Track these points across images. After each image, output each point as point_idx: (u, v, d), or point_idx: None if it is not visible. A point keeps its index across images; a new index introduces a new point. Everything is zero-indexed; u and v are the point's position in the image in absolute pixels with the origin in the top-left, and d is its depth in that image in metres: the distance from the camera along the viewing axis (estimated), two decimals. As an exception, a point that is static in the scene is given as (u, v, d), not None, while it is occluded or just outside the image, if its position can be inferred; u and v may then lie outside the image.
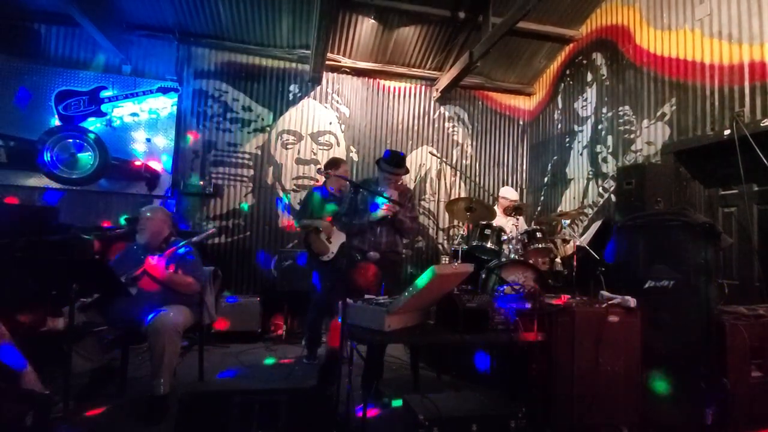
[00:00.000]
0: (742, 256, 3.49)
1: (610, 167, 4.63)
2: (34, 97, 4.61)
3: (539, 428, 2.25)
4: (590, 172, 4.93)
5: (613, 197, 4.48)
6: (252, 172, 5.28)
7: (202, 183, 5.06)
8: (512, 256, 3.90)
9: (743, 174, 3.18)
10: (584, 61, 5.12)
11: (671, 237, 2.68)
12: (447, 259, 5.59)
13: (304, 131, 5.47)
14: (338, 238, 3.72)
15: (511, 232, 4.13)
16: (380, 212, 2.86)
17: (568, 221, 4.38)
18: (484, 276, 3.69)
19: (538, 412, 2.27)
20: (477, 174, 6.04)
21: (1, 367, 1.92)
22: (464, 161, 6.00)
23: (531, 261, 3.84)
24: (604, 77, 4.80)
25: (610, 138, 4.67)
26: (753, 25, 3.29)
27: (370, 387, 2.85)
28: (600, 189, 4.76)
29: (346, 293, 2.26)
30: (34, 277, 2.49)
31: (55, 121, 4.61)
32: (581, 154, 5.10)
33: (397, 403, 2.44)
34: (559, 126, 5.54)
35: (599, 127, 4.83)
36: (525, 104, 6.25)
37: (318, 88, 5.51)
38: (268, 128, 5.35)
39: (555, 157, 5.59)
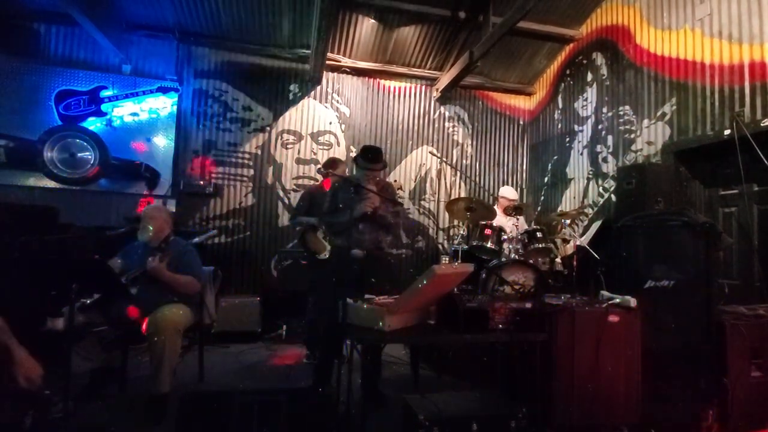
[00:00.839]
0: (742, 256, 3.49)
1: (610, 167, 4.63)
2: (34, 97, 4.61)
3: (539, 428, 2.24)
4: (590, 172, 4.93)
5: (613, 197, 4.48)
6: (252, 171, 5.28)
7: (201, 183, 5.05)
8: (512, 256, 3.89)
9: (743, 174, 3.18)
10: (584, 61, 5.12)
11: (671, 237, 2.68)
12: (447, 259, 5.58)
13: (304, 131, 5.46)
14: None
15: (511, 232, 4.13)
16: (361, 208, 2.80)
17: (568, 221, 4.38)
18: (484, 276, 3.69)
19: (539, 411, 2.27)
20: (477, 174, 6.04)
21: None
22: (464, 161, 6.00)
23: (531, 261, 3.84)
24: (604, 77, 4.80)
25: (610, 138, 4.66)
26: (753, 24, 3.29)
27: (370, 386, 2.85)
28: (600, 189, 4.76)
29: (337, 292, 2.23)
30: (34, 277, 2.48)
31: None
32: (581, 154, 5.09)
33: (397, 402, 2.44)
34: (560, 126, 5.54)
35: (599, 126, 4.83)
36: (525, 104, 6.25)
37: (318, 87, 5.50)
38: (268, 128, 5.35)
39: (555, 157, 5.58)
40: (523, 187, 6.20)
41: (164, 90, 4.89)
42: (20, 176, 4.52)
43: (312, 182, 5.28)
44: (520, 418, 2.04)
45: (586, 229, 4.70)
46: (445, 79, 5.53)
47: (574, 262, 3.78)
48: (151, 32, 4.95)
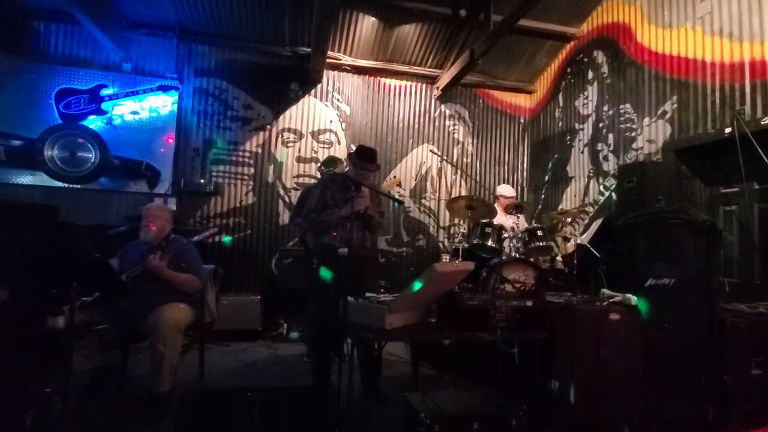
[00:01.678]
0: (742, 254, 3.48)
1: (611, 165, 4.63)
2: (34, 96, 4.61)
3: (540, 426, 2.25)
4: (591, 171, 4.92)
5: (614, 195, 4.47)
6: (252, 170, 5.27)
7: (202, 181, 5.05)
8: (513, 254, 3.89)
9: (744, 172, 3.17)
10: (585, 59, 5.11)
11: (672, 235, 2.67)
12: (447, 257, 5.58)
13: (305, 129, 5.46)
14: None
15: (511, 230, 4.13)
16: (354, 206, 2.79)
17: (569, 219, 4.38)
18: (484, 274, 3.69)
19: (539, 410, 2.27)
20: (478, 172, 6.03)
21: None
22: (465, 159, 5.99)
23: (532, 259, 3.84)
24: (605, 75, 4.79)
25: (611, 136, 4.66)
26: (753, 23, 3.28)
27: (371, 385, 2.85)
28: (601, 187, 4.76)
29: (319, 291, 2.21)
30: (34, 276, 2.48)
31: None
32: (582, 153, 5.09)
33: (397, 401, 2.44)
34: (560, 124, 5.53)
35: (600, 125, 4.83)
36: (526, 102, 6.24)
37: (318, 86, 5.49)
38: (269, 126, 5.34)
39: (556, 156, 5.58)
40: (524, 185, 6.20)
41: (164, 88, 4.89)
42: (20, 174, 4.52)
43: (313, 181, 5.28)
44: (521, 417, 2.04)
45: (586, 227, 4.70)
46: (445, 77, 5.52)
47: (575, 261, 3.78)
48: (151, 30, 4.94)
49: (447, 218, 5.84)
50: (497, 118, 6.14)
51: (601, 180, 4.77)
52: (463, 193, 5.85)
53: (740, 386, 2.41)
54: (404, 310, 2.20)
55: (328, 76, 5.50)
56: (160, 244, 2.82)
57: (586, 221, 4.85)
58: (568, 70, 5.41)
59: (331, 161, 3.92)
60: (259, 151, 5.30)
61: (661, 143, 4.04)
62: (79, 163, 4.45)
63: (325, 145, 5.50)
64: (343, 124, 5.57)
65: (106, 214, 4.72)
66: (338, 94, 5.57)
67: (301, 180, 5.37)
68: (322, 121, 5.51)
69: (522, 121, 6.23)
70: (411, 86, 5.83)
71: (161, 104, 4.93)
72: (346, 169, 3.16)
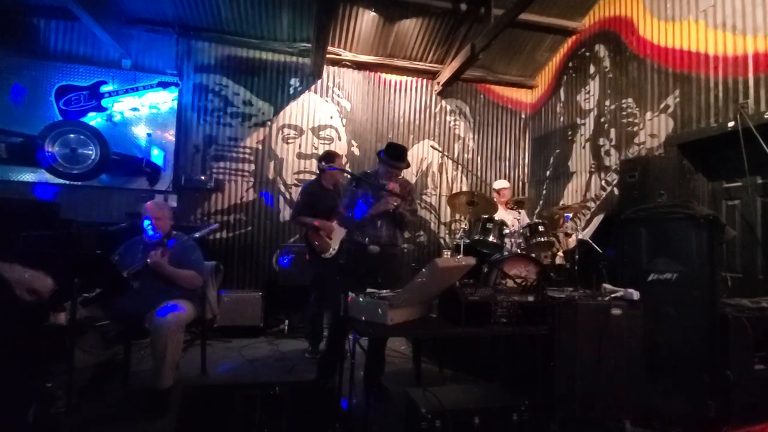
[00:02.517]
0: (745, 248, 3.47)
1: (612, 160, 4.61)
2: (33, 93, 4.60)
3: (541, 421, 2.25)
4: (593, 166, 4.91)
5: (616, 190, 4.46)
6: (253, 166, 5.27)
7: (203, 178, 5.05)
8: (514, 250, 3.89)
9: (747, 166, 3.16)
10: (587, 53, 5.08)
11: (674, 230, 2.67)
12: (449, 253, 5.58)
13: (305, 125, 5.45)
14: (338, 235, 3.71)
15: (513, 226, 4.12)
16: (382, 205, 2.83)
17: (570, 215, 4.36)
18: (486, 270, 3.69)
19: (541, 405, 2.27)
20: (479, 168, 6.01)
21: None
22: (466, 155, 5.98)
23: (533, 255, 3.83)
24: (607, 69, 4.76)
25: (613, 131, 4.64)
26: (757, 15, 3.26)
27: (373, 381, 2.86)
28: (603, 182, 4.74)
29: (347, 287, 2.25)
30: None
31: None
32: (584, 148, 5.07)
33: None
34: (562, 119, 5.51)
35: (602, 119, 4.80)
36: (527, 97, 6.21)
37: (319, 81, 5.47)
38: (269, 122, 5.33)
39: (557, 151, 5.56)
40: (525, 180, 6.18)
41: (164, 85, 4.87)
42: (21, 172, 4.52)
43: (314, 177, 5.27)
44: (523, 411, 2.04)
45: (588, 222, 4.69)
46: (446, 72, 5.49)
47: (576, 256, 3.77)
48: (150, 26, 4.92)
49: (448, 214, 5.83)
50: (498, 113, 6.12)
51: (602, 175, 4.75)
52: (464, 188, 5.83)
53: (743, 381, 2.40)
54: (405, 306, 2.19)
55: (328, 71, 5.48)
56: (162, 241, 2.82)
57: (588, 216, 4.84)
58: (570, 64, 5.38)
59: (330, 156, 3.89)
60: (260, 147, 5.29)
61: (663, 138, 4.02)
62: (80, 160, 4.44)
63: (326, 141, 5.48)
64: (344, 120, 5.56)
65: (107, 211, 4.72)
66: (338, 89, 5.55)
67: (301, 176, 5.36)
68: (323, 117, 5.49)
69: (523, 116, 6.20)
70: (411, 81, 5.81)
71: (161, 101, 4.91)
72: (375, 168, 3.15)
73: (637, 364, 2.42)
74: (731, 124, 3.35)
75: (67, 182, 4.54)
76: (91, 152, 4.47)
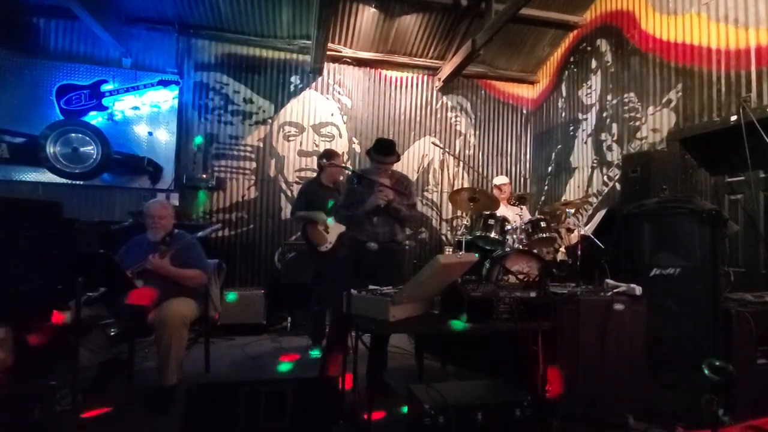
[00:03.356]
0: (748, 243, 3.46)
1: (615, 155, 4.59)
2: (34, 92, 4.60)
3: (544, 417, 2.25)
4: (595, 161, 4.89)
5: (618, 186, 4.45)
6: (254, 164, 5.27)
7: (204, 176, 5.05)
8: (516, 246, 3.88)
9: (750, 160, 3.15)
10: (588, 48, 5.05)
11: (677, 225, 2.66)
12: (451, 249, 5.58)
13: (306, 123, 5.44)
14: (336, 229, 3.73)
15: (514, 222, 4.11)
16: (373, 201, 2.80)
17: (572, 210, 4.35)
18: (488, 266, 3.69)
19: (543, 400, 2.28)
20: (480, 164, 6.00)
21: None
22: (467, 151, 5.97)
23: (535, 251, 3.83)
24: (608, 64, 4.74)
25: (614, 126, 4.62)
26: (760, 8, 3.23)
27: (375, 377, 2.87)
28: (605, 177, 4.73)
29: (347, 284, 2.25)
30: (40, 272, 2.50)
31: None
32: (585, 143, 5.05)
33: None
34: (563, 114, 5.49)
35: (604, 114, 4.78)
36: (528, 93, 6.19)
37: (319, 79, 5.47)
38: (270, 120, 5.33)
39: (559, 146, 5.54)
40: (527, 176, 6.17)
41: (165, 83, 4.87)
42: (23, 171, 4.53)
43: (315, 174, 5.27)
44: (525, 407, 2.05)
45: (590, 218, 4.68)
46: (447, 68, 5.48)
47: (579, 252, 3.76)
48: (150, 25, 4.92)
49: (450, 210, 5.83)
50: (499, 109, 6.10)
51: (604, 170, 4.74)
52: (466, 185, 5.83)
53: (746, 375, 2.40)
54: (408, 302, 2.20)
55: (328, 68, 5.47)
56: (164, 240, 2.83)
57: (590, 212, 4.83)
58: (571, 59, 5.35)
59: (330, 155, 3.91)
60: (261, 145, 5.29)
61: (665, 132, 4.00)
62: (82, 159, 4.45)
63: (327, 139, 5.48)
64: (345, 117, 5.55)
65: (110, 209, 4.74)
66: (339, 86, 5.54)
67: (303, 174, 5.36)
68: (324, 114, 5.49)
69: (524, 111, 6.18)
70: (412, 78, 5.79)
71: (162, 99, 4.91)
72: (369, 166, 3.13)
73: (640, 360, 2.42)
74: (734, 118, 3.33)
75: (69, 181, 4.56)
76: (92, 151, 4.48)
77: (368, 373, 2.88)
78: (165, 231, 2.85)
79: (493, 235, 3.95)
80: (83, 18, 4.30)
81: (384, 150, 2.87)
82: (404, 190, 2.95)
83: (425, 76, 5.82)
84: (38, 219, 3.33)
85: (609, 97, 4.71)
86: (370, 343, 2.79)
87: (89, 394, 2.59)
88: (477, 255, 2.52)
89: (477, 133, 6.00)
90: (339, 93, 5.54)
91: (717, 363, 2.02)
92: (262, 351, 3.81)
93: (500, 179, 4.83)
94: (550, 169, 5.71)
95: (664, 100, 4.03)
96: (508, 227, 4.01)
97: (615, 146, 4.60)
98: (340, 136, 5.53)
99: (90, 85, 4.73)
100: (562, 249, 4.35)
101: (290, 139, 5.39)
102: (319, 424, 2.07)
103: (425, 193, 5.78)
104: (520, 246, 3.86)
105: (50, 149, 4.34)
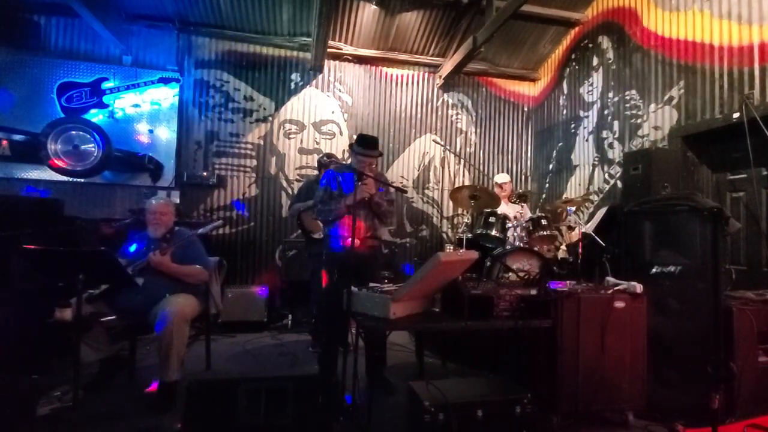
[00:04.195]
0: (750, 241, 3.45)
1: (616, 153, 4.58)
2: (35, 90, 4.60)
3: (544, 414, 2.25)
4: (596, 159, 4.88)
5: (619, 183, 4.43)
6: (255, 162, 5.27)
7: (205, 174, 5.06)
8: (517, 243, 3.88)
9: (752, 158, 3.13)
10: (590, 45, 5.03)
11: (678, 222, 2.65)
12: (451, 247, 5.58)
13: (307, 120, 5.43)
14: None
15: (515, 219, 4.11)
16: (358, 193, 2.76)
17: (573, 208, 4.35)
18: (488, 264, 3.68)
19: (544, 397, 2.28)
20: (481, 162, 5.99)
21: None
22: (468, 149, 5.95)
23: (536, 248, 3.82)
24: (610, 61, 4.72)
25: (616, 123, 4.60)
26: (763, 5, 3.22)
27: (376, 374, 2.87)
28: (606, 175, 4.72)
29: (335, 282, 2.22)
30: (41, 269, 2.50)
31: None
32: (587, 140, 5.04)
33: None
34: (565, 112, 5.47)
35: (605, 112, 4.77)
36: (529, 90, 6.17)
37: (320, 76, 5.46)
38: (270, 118, 5.32)
39: (560, 144, 5.53)
40: (528, 174, 6.16)
41: (165, 81, 4.87)
42: (25, 169, 4.54)
43: (316, 172, 5.27)
44: (526, 404, 2.05)
45: (591, 216, 4.67)
46: (448, 65, 5.46)
47: (579, 250, 3.76)
48: (151, 22, 4.91)
49: (450, 208, 5.82)
50: (500, 106, 6.08)
51: (606, 168, 4.73)
52: (467, 182, 5.82)
53: (747, 373, 2.40)
54: (408, 300, 2.20)
55: (329, 66, 5.45)
56: (165, 237, 2.83)
57: (591, 210, 4.82)
58: (573, 56, 5.34)
59: (330, 156, 3.99)
60: (261, 142, 5.29)
61: (667, 130, 3.99)
62: (83, 156, 4.45)
63: (327, 136, 5.47)
64: (345, 115, 5.54)
65: (111, 207, 4.74)
66: (340, 84, 5.53)
67: (303, 171, 5.36)
68: (324, 111, 5.48)
69: (526, 109, 6.17)
70: (413, 75, 5.78)
71: (163, 97, 4.91)
72: (348, 161, 3.13)
73: (640, 357, 2.42)
74: (736, 115, 3.32)
75: (70, 179, 4.56)
76: (93, 149, 4.48)
77: (368, 370, 2.88)
78: (166, 228, 2.85)
79: (493, 232, 3.95)
80: (84, 16, 4.30)
81: (368, 144, 2.86)
82: (386, 184, 2.95)
83: (426, 74, 5.80)
84: (39, 216, 3.33)
85: (610, 95, 4.70)
86: (366, 339, 2.79)
87: (90, 390, 2.60)
88: (477, 252, 2.51)
89: (478, 130, 5.99)
90: (340, 90, 5.53)
91: (718, 361, 2.01)
92: (263, 348, 3.81)
93: (501, 177, 4.82)
94: (551, 166, 5.70)
95: (665, 98, 4.01)
96: (509, 225, 4.01)
97: (616, 144, 4.59)
98: (341, 134, 5.52)
99: (91, 83, 4.73)
100: (563, 247, 4.35)
101: (291, 136, 5.38)
102: (319, 420, 2.07)
103: (426, 191, 5.78)
104: (521, 244, 3.86)
105: (51, 147, 4.34)
